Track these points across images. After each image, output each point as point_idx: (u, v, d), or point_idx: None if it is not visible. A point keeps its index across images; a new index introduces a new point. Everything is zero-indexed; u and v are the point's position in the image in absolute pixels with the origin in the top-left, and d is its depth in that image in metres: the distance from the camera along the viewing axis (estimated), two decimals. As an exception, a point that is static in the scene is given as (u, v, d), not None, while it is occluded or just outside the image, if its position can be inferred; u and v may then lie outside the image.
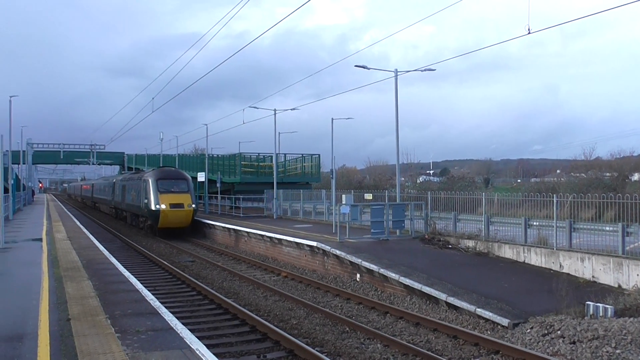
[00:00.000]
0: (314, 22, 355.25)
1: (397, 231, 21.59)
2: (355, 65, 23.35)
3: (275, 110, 34.43)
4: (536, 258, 16.71)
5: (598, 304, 11.89)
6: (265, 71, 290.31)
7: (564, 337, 10.55)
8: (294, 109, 36.85)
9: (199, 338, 8.28)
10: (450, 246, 19.42)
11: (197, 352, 7.21)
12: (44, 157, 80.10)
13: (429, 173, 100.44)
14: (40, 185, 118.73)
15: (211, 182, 41.40)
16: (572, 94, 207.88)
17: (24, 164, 59.04)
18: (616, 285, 14.10)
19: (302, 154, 43.47)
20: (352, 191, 28.10)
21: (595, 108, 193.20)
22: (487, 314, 12.11)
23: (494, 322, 11.89)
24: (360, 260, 17.08)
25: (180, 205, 31.67)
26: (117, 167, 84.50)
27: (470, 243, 18.95)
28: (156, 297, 11.09)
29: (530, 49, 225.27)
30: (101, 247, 19.65)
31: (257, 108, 35.47)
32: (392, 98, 23.62)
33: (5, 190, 33.46)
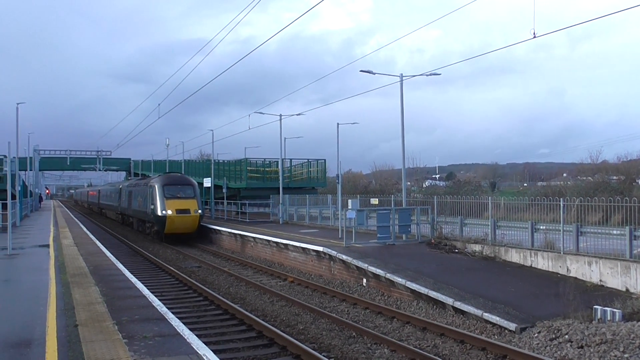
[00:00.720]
0: (320, 27, 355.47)
1: (404, 236, 21.56)
2: (361, 71, 23.46)
3: (280, 115, 34.56)
4: (543, 262, 16.65)
5: (606, 308, 11.84)
6: (272, 76, 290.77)
7: (571, 342, 10.51)
8: (299, 114, 36.87)
9: (206, 344, 8.29)
10: (456, 250, 19.38)
11: (205, 357, 7.22)
12: (50, 163, 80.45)
13: (435, 177, 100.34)
14: (47, 191, 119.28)
15: (217, 187, 41.49)
16: (578, 97, 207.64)
17: (30, 170, 59.27)
18: (624, 289, 14.03)
19: (308, 159, 43.52)
20: (358, 196, 28.10)
21: (602, 111, 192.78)
22: (494, 318, 12.07)
23: (501, 327, 11.85)
24: (366, 265, 17.07)
25: (186, 211, 31.73)
26: (124, 173, 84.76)
27: (477, 247, 18.90)
28: (163, 303, 11.11)
29: (537, 53, 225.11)
30: (108, 253, 19.71)
31: (263, 113, 35.65)
32: (398, 102, 23.69)
33: (12, 197, 33.62)
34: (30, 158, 56.45)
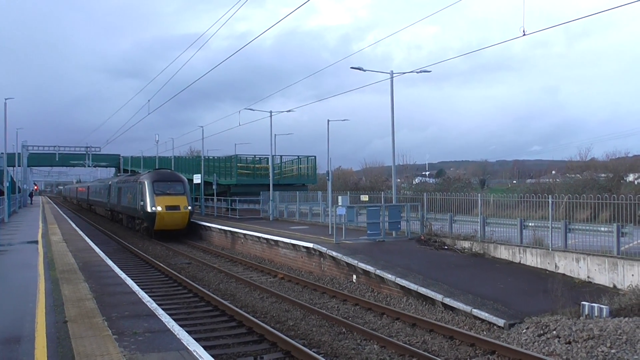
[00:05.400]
0: (317, 23, 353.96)
1: (393, 232, 21.63)
2: (351, 67, 23.41)
3: (271, 112, 34.48)
4: (532, 259, 16.77)
5: (593, 304, 11.95)
6: (267, 72, 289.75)
7: (559, 337, 10.60)
8: (289, 110, 37.04)
9: (196, 340, 8.29)
10: (446, 247, 19.47)
11: (194, 353, 7.23)
12: (39, 159, 79.87)
13: (425, 174, 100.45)
14: (36, 187, 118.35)
15: (207, 184, 41.40)
16: (572, 95, 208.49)
17: (19, 166, 58.78)
18: (611, 286, 14.17)
19: (298, 156, 43.52)
20: (348, 192, 28.13)
21: (595, 109, 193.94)
22: (483, 314, 12.15)
23: (490, 323, 11.94)
24: (356, 262, 17.11)
25: (176, 208, 31.66)
26: (113, 170, 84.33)
27: (466, 244, 19.00)
28: (153, 299, 11.09)
29: (534, 50, 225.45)
30: (97, 250, 19.63)
31: (253, 110, 35.53)
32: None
33: (0, 193, 33.39)
34: (19, 154, 55.96)
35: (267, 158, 39.86)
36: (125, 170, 72.15)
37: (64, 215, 46.19)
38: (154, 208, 31.33)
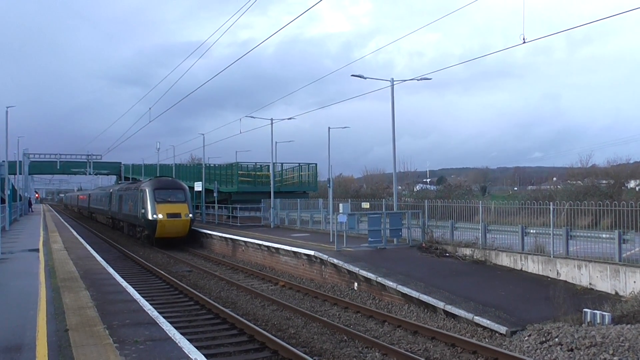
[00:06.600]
0: (319, 30, 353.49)
1: (395, 240, 21.61)
2: (352, 75, 23.48)
3: (272, 119, 34.51)
4: (533, 266, 16.74)
5: (595, 311, 11.92)
6: (269, 80, 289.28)
7: (561, 345, 10.57)
8: (290, 118, 37.08)
9: (198, 348, 8.26)
10: (447, 254, 19.44)
11: (196, 361, 7.21)
12: (40, 167, 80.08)
13: (426, 181, 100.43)
14: (37, 195, 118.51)
15: (208, 191, 41.42)
16: (574, 101, 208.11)
17: (20, 174, 58.82)
18: (613, 292, 14.14)
19: (299, 163, 43.56)
20: (349, 200, 28.13)
21: (597, 115, 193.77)
22: (484, 321, 12.12)
23: (491, 330, 11.91)
24: (357, 269, 17.08)
25: (177, 215, 31.66)
26: (114, 177, 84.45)
27: (468, 251, 18.98)
28: (154, 307, 11.07)
29: (534, 56, 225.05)
30: (98, 258, 19.60)
31: (254, 117, 35.59)
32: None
33: (2, 201, 33.41)
34: (20, 162, 56.04)
35: (268, 165, 39.90)
36: (127, 178, 72.23)
37: (65, 223, 46.13)
38: (155, 216, 31.33)
